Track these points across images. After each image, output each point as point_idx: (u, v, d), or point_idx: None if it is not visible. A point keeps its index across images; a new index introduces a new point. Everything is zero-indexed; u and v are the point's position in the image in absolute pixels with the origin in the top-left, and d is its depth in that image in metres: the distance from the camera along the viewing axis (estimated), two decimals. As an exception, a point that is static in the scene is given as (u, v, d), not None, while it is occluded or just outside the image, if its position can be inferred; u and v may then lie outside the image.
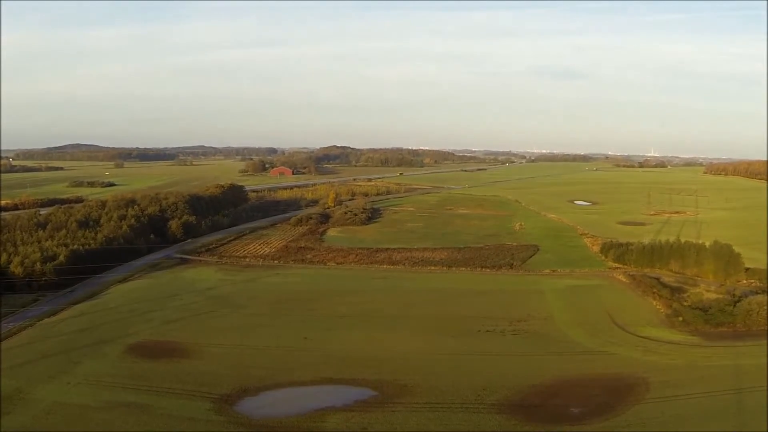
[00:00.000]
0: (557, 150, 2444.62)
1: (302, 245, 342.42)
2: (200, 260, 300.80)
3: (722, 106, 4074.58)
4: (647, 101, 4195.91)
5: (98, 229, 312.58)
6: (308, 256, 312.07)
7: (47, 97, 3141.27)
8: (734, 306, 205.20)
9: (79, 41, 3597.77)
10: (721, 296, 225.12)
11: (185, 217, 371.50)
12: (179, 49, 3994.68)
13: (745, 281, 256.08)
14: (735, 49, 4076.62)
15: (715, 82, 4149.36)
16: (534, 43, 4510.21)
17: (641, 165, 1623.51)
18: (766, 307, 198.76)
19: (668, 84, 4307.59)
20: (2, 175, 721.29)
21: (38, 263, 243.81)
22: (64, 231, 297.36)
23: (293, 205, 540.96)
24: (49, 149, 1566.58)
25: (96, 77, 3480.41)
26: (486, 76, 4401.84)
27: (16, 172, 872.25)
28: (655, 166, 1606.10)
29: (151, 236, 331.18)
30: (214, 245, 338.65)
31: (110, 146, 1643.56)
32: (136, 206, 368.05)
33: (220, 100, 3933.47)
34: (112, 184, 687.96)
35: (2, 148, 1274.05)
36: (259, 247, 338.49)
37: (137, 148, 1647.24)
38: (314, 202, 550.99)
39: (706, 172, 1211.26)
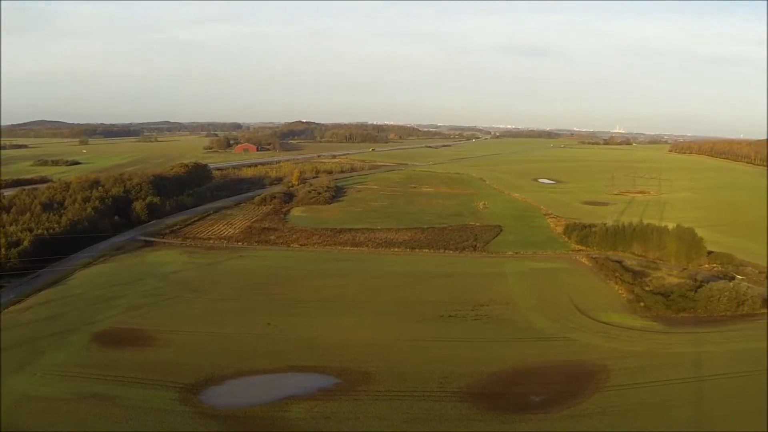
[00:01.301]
0: (523, 126, 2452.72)
1: (266, 226, 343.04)
2: (164, 242, 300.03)
3: (688, 85, 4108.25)
4: (614, 79, 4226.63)
5: (63, 211, 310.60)
6: (272, 237, 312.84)
7: (10, 73, 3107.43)
8: (696, 291, 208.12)
9: (42, 18, 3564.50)
10: (683, 281, 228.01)
11: (149, 198, 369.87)
12: (144, 25, 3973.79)
13: (707, 265, 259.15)
14: (703, 30, 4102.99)
15: (681, 61, 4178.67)
16: (503, 20, 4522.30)
17: (606, 142, 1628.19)
18: (727, 294, 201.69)
19: (635, 63, 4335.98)
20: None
21: (2, 249, 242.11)
22: (28, 214, 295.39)
23: (257, 183, 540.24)
24: (14, 126, 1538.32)
25: (60, 54, 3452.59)
26: (453, 53, 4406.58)
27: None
28: (621, 143, 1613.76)
29: (116, 218, 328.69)
30: (178, 226, 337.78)
31: (75, 122, 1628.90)
32: (100, 188, 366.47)
33: (185, 75, 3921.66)
34: (76, 163, 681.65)
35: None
36: (223, 227, 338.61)
37: (102, 124, 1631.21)
38: (278, 180, 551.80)
39: (671, 151, 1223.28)
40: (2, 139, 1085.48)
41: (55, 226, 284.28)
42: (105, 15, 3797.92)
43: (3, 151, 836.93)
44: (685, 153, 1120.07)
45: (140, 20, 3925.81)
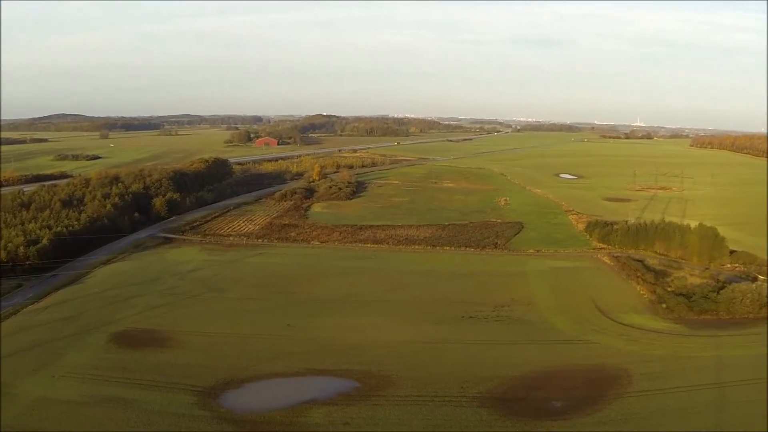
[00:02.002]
0: (543, 119, 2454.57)
1: (286, 222, 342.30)
2: (184, 239, 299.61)
3: (706, 77, 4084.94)
4: (631, 70, 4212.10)
5: (82, 208, 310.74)
6: (292, 234, 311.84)
7: (31, 66, 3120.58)
8: (718, 293, 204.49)
9: (62, 10, 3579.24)
10: (705, 281, 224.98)
11: (169, 194, 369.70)
12: (164, 17, 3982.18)
13: (729, 265, 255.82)
14: (717, 20, 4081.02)
15: (697, 52, 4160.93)
16: (516, 10, 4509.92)
17: (627, 136, 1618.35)
18: (749, 295, 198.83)
19: (651, 53, 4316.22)
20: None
21: (21, 247, 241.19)
22: (47, 211, 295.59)
23: (278, 178, 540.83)
24: (34, 120, 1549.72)
25: (80, 46, 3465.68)
26: (469, 44, 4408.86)
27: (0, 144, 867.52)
28: (642, 137, 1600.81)
29: (135, 214, 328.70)
30: (198, 223, 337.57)
31: (96, 116, 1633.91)
32: (120, 184, 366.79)
33: (206, 68, 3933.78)
34: (96, 157, 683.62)
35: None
36: (243, 224, 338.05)
37: (123, 117, 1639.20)
38: (299, 175, 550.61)
39: (692, 145, 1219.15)
40: (23, 133, 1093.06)
41: (75, 223, 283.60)
42: (124, 6, 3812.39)
43: (23, 146, 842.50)
44: (706, 148, 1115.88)
45: (158, 11, 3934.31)
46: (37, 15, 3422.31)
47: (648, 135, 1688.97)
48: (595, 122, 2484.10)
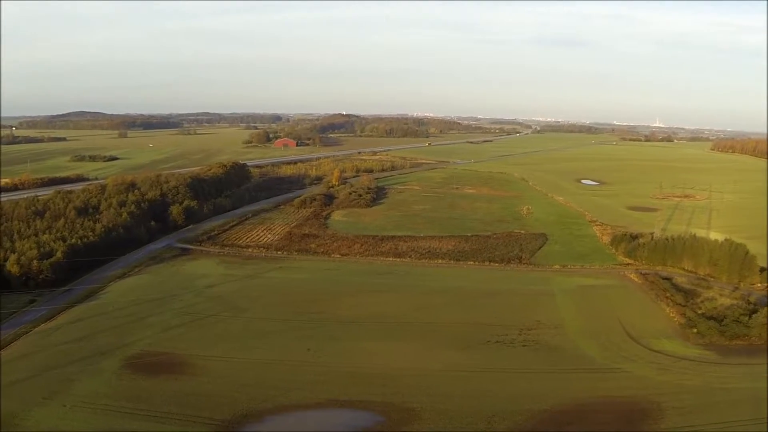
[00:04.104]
0: (563, 119, 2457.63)
1: (306, 232, 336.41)
2: (201, 250, 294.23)
3: (726, 78, 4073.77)
4: (653, 72, 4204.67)
5: (97, 217, 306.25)
6: (312, 246, 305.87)
7: (52, 63, 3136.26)
8: (750, 317, 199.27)
9: (83, 6, 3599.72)
10: (735, 302, 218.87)
11: (186, 201, 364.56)
12: (185, 14, 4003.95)
13: (759, 284, 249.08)
14: (740, 22, 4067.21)
15: (719, 54, 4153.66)
16: (540, 11, 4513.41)
17: (647, 138, 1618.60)
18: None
19: (673, 54, 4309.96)
20: (4, 147, 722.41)
21: (35, 261, 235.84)
22: (62, 220, 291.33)
23: (297, 182, 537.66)
24: (53, 117, 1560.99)
25: (102, 43, 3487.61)
26: (492, 44, 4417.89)
27: (19, 143, 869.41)
28: (662, 140, 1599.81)
29: (152, 223, 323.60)
30: (216, 232, 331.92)
31: (114, 113, 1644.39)
32: (136, 191, 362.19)
33: (226, 66, 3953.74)
34: (114, 158, 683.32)
35: (5, 115, 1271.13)
36: (262, 233, 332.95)
37: (141, 115, 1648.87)
38: (318, 180, 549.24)
39: (712, 149, 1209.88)
40: (41, 131, 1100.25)
41: (90, 234, 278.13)
42: (143, 3, 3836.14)
43: (41, 145, 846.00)
44: (727, 152, 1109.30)
45: (180, 9, 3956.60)
46: (59, 12, 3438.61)
47: (668, 137, 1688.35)
48: (615, 123, 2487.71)
